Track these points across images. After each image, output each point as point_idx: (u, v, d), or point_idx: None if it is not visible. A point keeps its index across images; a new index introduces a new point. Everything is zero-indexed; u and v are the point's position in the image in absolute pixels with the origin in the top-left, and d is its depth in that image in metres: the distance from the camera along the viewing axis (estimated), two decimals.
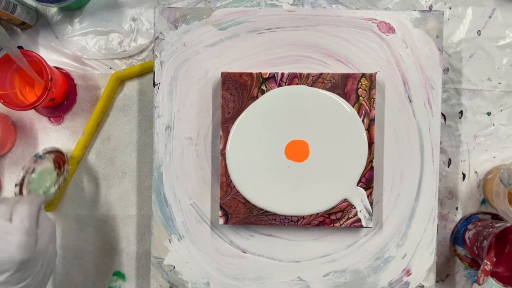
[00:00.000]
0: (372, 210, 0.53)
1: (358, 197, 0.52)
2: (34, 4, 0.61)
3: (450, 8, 0.62)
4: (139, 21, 0.62)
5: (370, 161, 0.52)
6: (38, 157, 0.59)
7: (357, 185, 0.52)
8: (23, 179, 0.59)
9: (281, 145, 0.53)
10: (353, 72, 0.54)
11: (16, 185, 0.59)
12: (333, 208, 0.52)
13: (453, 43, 0.61)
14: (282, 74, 0.53)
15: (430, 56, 0.54)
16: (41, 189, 0.59)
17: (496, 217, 0.61)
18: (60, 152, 0.59)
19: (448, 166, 0.62)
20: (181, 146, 0.55)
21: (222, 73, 0.53)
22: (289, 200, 0.52)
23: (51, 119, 0.62)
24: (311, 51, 0.54)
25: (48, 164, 0.60)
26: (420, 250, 0.54)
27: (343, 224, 0.53)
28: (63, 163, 0.59)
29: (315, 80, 0.53)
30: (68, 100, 0.62)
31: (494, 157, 0.62)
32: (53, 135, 0.63)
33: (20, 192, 0.59)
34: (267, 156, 0.53)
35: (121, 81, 0.62)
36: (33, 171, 0.60)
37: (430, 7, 0.62)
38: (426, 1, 0.62)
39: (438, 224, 0.58)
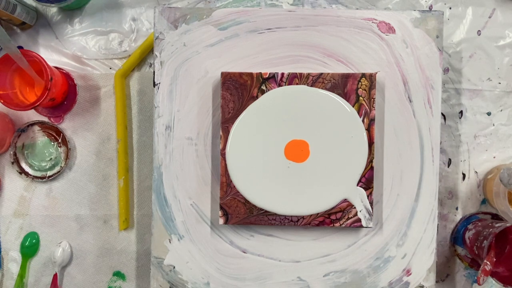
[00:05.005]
0: (372, 210, 0.53)
1: (358, 197, 0.52)
2: (34, 4, 0.61)
3: (450, 8, 0.62)
4: (139, 21, 0.62)
5: (370, 161, 0.52)
6: (20, 131, 0.61)
7: (357, 185, 0.52)
8: (15, 155, 0.61)
9: (281, 145, 0.53)
10: (353, 72, 0.54)
11: (12, 163, 0.61)
12: (333, 208, 0.52)
13: (453, 43, 0.61)
14: (282, 74, 0.53)
15: (430, 56, 0.54)
16: (43, 162, 0.62)
17: (496, 217, 0.61)
18: (43, 123, 0.61)
19: (448, 166, 0.62)
20: (181, 146, 0.55)
21: (222, 73, 0.53)
22: (289, 200, 0.52)
23: (51, 119, 0.62)
24: (311, 51, 0.54)
25: (38, 137, 0.61)
26: (420, 250, 0.54)
27: (343, 224, 0.53)
28: (58, 135, 0.61)
29: (315, 80, 0.52)
30: (68, 100, 0.62)
31: (494, 157, 0.62)
32: None
33: (22, 170, 0.62)
34: (267, 156, 0.52)
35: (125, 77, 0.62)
36: (23, 147, 0.62)
37: (430, 7, 0.61)
38: (426, 1, 0.62)
39: (438, 224, 0.58)
